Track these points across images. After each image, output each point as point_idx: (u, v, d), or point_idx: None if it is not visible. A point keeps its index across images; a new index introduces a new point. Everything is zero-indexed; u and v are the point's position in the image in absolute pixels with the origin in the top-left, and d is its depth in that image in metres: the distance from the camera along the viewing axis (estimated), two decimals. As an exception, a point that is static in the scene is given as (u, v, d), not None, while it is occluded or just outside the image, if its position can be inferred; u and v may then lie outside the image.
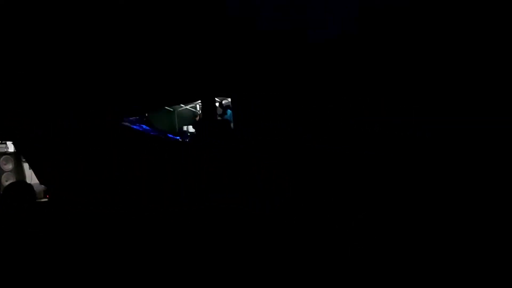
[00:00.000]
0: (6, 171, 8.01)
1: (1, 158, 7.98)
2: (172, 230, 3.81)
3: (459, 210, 3.57)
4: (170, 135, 7.23)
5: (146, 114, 9.60)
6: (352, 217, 3.71)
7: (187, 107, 10.76)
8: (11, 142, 7.15)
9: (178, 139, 7.18)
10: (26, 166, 8.03)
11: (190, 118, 10.62)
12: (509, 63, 5.01)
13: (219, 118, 8.58)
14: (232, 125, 7.47)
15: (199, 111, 10.32)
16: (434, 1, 5.80)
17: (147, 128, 6.75)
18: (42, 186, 6.42)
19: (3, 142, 8.01)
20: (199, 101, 9.68)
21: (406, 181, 4.43)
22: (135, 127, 6.50)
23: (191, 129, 9.92)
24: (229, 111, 8.72)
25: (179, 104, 10.36)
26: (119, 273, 3.01)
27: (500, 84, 4.97)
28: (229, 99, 8.58)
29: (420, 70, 6.05)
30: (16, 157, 8.05)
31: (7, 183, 7.61)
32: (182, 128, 10.35)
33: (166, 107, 10.43)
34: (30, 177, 7.24)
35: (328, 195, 4.26)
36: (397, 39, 6.21)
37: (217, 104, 9.00)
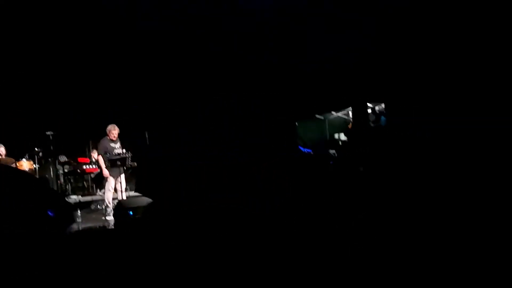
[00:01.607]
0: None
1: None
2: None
3: (459, 210, 3.57)
4: (303, 148, 7.09)
5: (296, 123, 9.51)
6: (352, 217, 3.71)
7: (339, 114, 10.37)
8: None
9: (309, 152, 7.06)
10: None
11: (342, 126, 9.96)
12: (509, 63, 5.00)
13: (372, 124, 8.10)
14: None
15: (351, 118, 9.75)
16: (433, 2, 5.79)
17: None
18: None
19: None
20: (350, 108, 9.37)
21: (405, 181, 4.42)
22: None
23: (342, 137, 9.44)
24: (383, 118, 8.18)
25: (329, 112, 10.12)
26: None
27: (500, 84, 4.95)
28: (383, 105, 8.14)
29: (419, 70, 6.02)
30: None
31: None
32: (333, 136, 9.83)
33: (317, 115, 10.17)
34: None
35: (328, 195, 4.26)
36: (397, 39, 6.19)
37: (369, 110, 8.54)
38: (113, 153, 6.44)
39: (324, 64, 7.47)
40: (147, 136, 7.63)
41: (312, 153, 7.22)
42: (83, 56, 7.70)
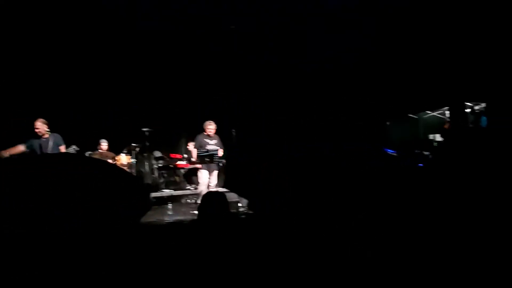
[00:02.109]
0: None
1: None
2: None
3: (459, 210, 3.56)
4: (388, 150, 6.78)
5: (387, 123, 9.10)
6: (352, 217, 3.70)
7: (434, 113, 9.70)
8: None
9: (393, 153, 6.72)
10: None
11: (437, 126, 9.17)
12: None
13: (471, 125, 7.53)
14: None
15: (448, 118, 8.89)
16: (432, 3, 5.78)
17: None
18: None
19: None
20: (447, 107, 8.78)
21: (405, 181, 4.40)
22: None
23: (438, 138, 8.65)
24: (483, 118, 7.53)
25: (424, 111, 9.62)
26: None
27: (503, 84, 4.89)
28: (483, 104, 7.53)
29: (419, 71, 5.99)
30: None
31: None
32: (428, 137, 9.12)
33: (410, 115, 9.59)
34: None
35: (328, 195, 4.25)
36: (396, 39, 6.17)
37: (468, 110, 7.96)
38: (204, 149, 6.54)
39: (324, 64, 7.47)
40: (234, 133, 7.64)
41: (396, 154, 6.83)
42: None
